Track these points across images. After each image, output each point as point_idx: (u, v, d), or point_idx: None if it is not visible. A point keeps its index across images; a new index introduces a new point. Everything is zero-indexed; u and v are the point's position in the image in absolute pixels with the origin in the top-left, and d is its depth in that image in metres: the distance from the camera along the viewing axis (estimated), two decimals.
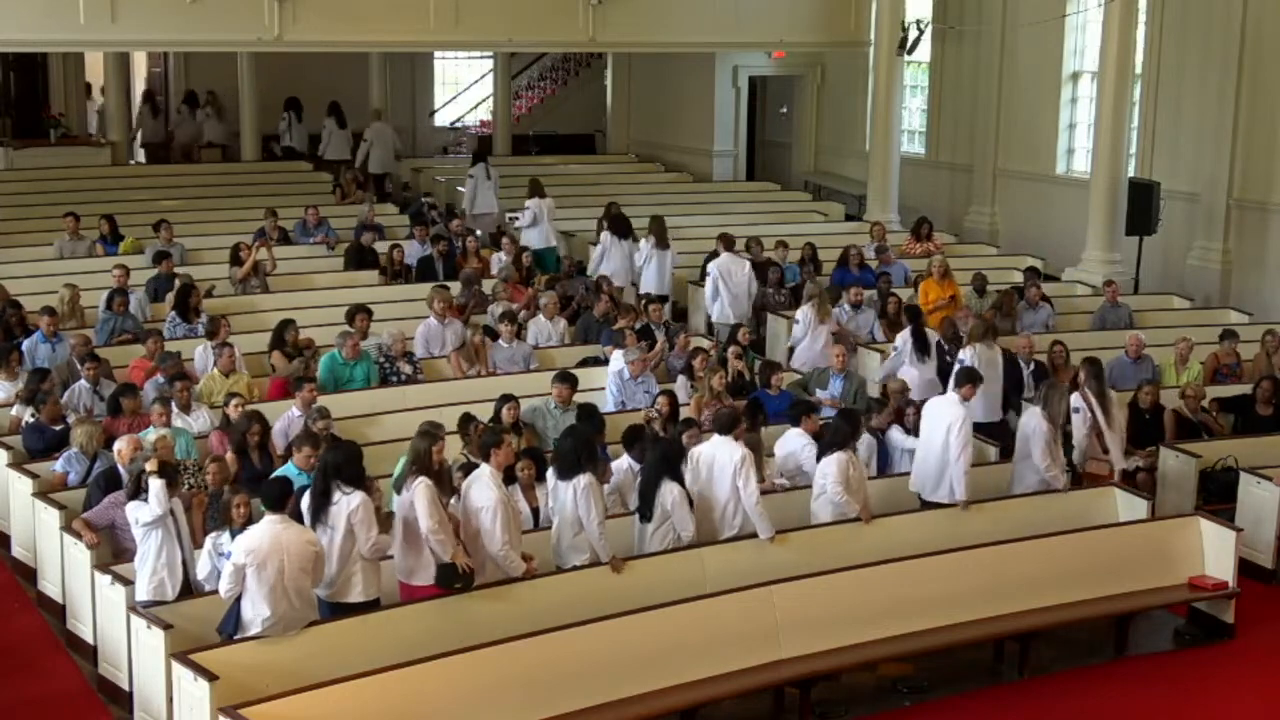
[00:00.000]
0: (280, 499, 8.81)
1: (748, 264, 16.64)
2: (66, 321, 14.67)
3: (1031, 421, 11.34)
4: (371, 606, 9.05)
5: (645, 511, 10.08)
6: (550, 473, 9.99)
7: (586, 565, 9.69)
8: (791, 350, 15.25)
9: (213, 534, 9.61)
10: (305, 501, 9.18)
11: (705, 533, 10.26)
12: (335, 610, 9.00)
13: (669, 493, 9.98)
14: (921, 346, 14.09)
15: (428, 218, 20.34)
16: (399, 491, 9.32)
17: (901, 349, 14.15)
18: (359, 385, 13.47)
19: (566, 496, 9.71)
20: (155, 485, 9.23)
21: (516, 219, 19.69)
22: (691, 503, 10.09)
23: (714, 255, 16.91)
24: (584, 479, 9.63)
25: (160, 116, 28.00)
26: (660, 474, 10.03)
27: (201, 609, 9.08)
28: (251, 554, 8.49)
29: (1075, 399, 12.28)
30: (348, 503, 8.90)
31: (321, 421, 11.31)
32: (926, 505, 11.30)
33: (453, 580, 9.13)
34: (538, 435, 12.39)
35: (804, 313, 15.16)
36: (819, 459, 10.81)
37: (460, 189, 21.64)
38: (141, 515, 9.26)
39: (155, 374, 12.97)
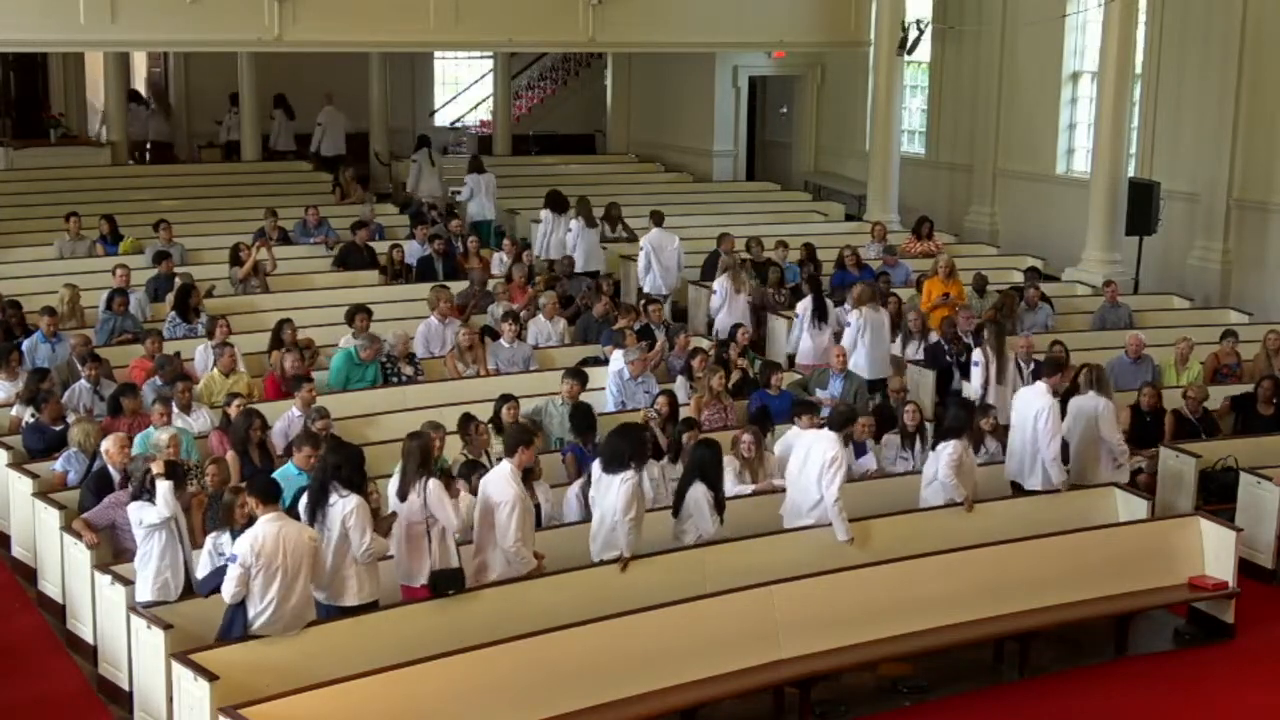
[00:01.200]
0: (273, 494, 8.78)
1: (677, 239, 17.67)
2: (66, 321, 14.67)
3: (1089, 404, 11.42)
4: (369, 609, 9.03)
5: (676, 507, 10.32)
6: (595, 465, 10.08)
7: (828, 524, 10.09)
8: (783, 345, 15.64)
9: (213, 534, 9.59)
10: (300, 503, 9.18)
11: (789, 517, 10.65)
12: (329, 613, 8.98)
13: (696, 492, 10.18)
14: (820, 313, 14.95)
15: (427, 217, 20.34)
16: (403, 498, 9.27)
17: (801, 316, 15.06)
18: (367, 385, 13.47)
19: (610, 490, 9.77)
20: (163, 487, 9.22)
21: (459, 193, 21.06)
22: (722, 504, 10.28)
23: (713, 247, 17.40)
24: (630, 475, 9.68)
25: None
26: (693, 475, 10.25)
27: (201, 609, 9.08)
28: (257, 554, 8.47)
29: (976, 354, 13.44)
30: (343, 505, 8.86)
31: (321, 421, 11.30)
32: (1020, 491, 11.51)
33: (448, 587, 9.14)
34: (541, 434, 12.38)
35: (720, 283, 16.04)
36: (934, 446, 11.17)
37: (455, 190, 21.67)
38: (147, 516, 9.22)
39: (154, 375, 12.97)
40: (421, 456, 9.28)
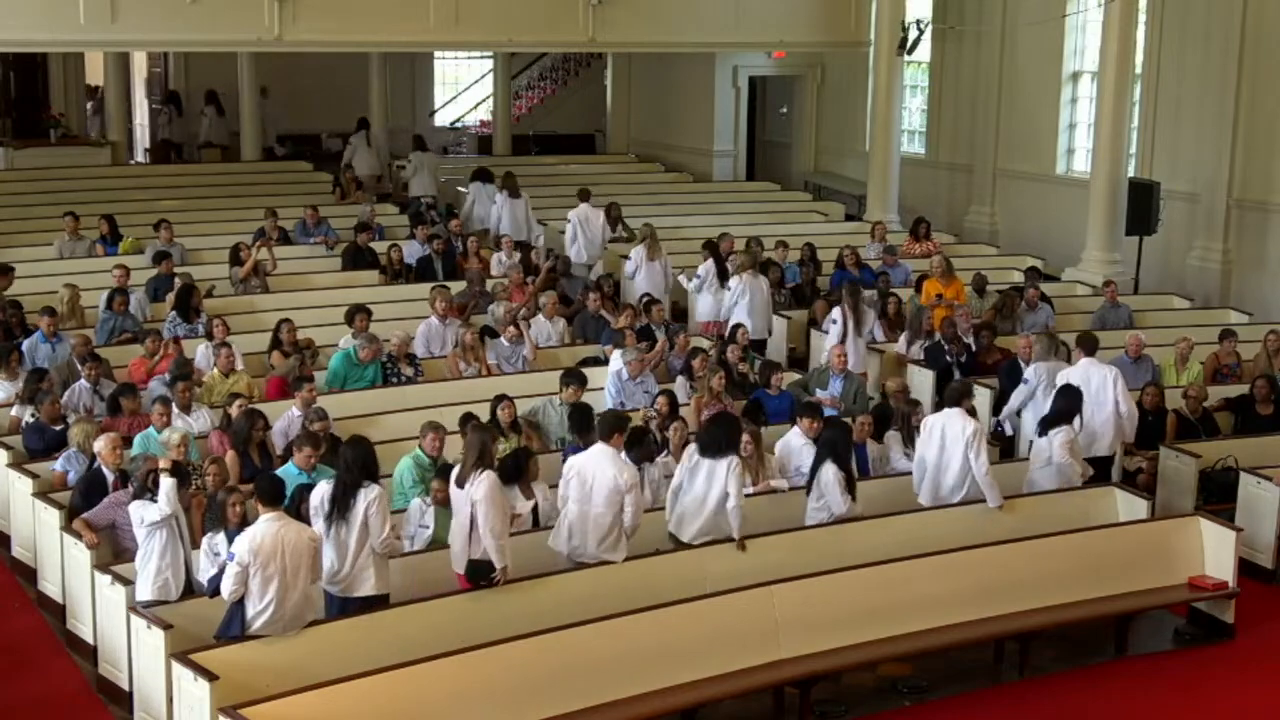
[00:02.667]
0: (277, 495, 8.83)
1: (602, 213, 18.80)
2: (66, 321, 14.67)
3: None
4: (380, 602, 9.08)
5: (808, 487, 10.75)
6: (691, 450, 10.35)
7: (709, 543, 10.07)
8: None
9: (208, 535, 9.60)
10: (315, 500, 9.17)
11: (936, 497, 11.06)
12: (345, 605, 9.04)
13: (827, 472, 10.55)
14: (721, 276, 16.23)
15: (427, 217, 20.34)
16: (461, 487, 9.33)
17: (704, 276, 16.34)
18: (366, 385, 13.47)
19: (710, 475, 10.05)
20: (167, 484, 9.22)
21: (403, 166, 22.50)
22: (853, 484, 10.66)
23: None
24: (734, 460, 10.03)
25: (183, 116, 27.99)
26: (824, 456, 10.66)
27: (201, 609, 9.07)
28: (255, 554, 8.48)
29: (834, 312, 14.50)
30: (365, 496, 9.00)
31: (320, 423, 11.30)
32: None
33: (481, 577, 9.25)
34: (540, 434, 12.39)
35: (636, 252, 17.19)
36: (1042, 434, 11.45)
37: (462, 189, 21.69)
38: (149, 514, 9.22)
39: (158, 371, 12.97)
40: (480, 449, 9.38)
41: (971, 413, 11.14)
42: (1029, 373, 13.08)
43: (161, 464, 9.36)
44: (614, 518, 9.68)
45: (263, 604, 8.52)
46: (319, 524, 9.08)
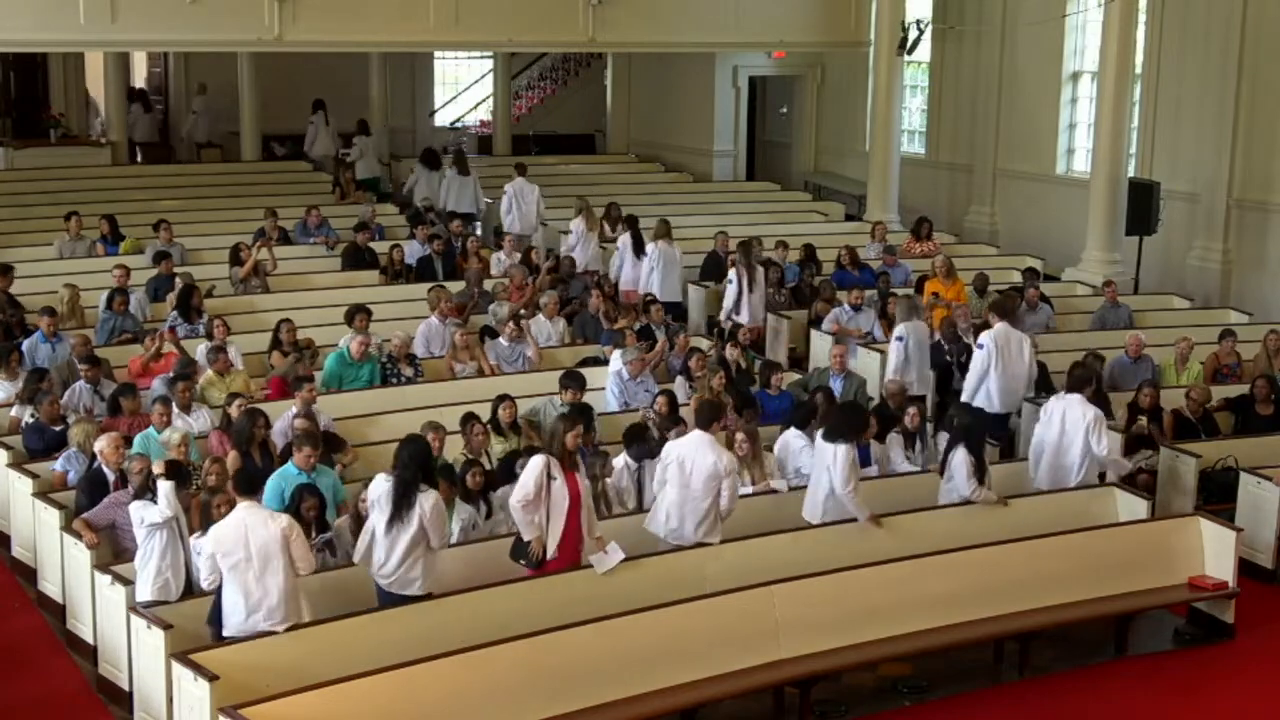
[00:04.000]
0: (252, 485, 8.89)
1: (537, 190, 20.18)
2: (66, 321, 14.67)
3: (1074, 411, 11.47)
4: (425, 599, 9.20)
5: (941, 469, 11.16)
6: (817, 434, 10.87)
7: (829, 524, 10.38)
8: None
9: (195, 535, 9.60)
10: (372, 494, 9.24)
11: (1054, 480, 11.51)
12: (393, 600, 9.13)
13: (958, 456, 10.97)
14: (638, 247, 17.28)
15: (427, 218, 20.34)
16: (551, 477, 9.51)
17: (622, 249, 17.49)
18: (363, 385, 13.47)
19: (825, 457, 10.47)
20: (164, 487, 9.22)
21: (348, 153, 23.49)
22: (983, 470, 11.02)
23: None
24: (844, 447, 10.35)
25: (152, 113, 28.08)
26: (958, 440, 11.07)
27: (201, 609, 9.07)
28: (218, 542, 8.56)
29: (731, 273, 15.75)
30: (423, 500, 9.05)
31: (304, 420, 11.34)
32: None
33: (520, 556, 9.50)
34: (540, 434, 12.38)
35: (576, 224, 18.40)
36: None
37: (345, 151, 23.21)
38: (149, 516, 9.22)
39: (158, 369, 12.98)
40: (552, 437, 9.68)
41: (1090, 398, 11.54)
42: (900, 329, 14.23)
43: (156, 467, 9.35)
44: (712, 502, 10.00)
45: (234, 594, 8.55)
46: (376, 518, 9.15)
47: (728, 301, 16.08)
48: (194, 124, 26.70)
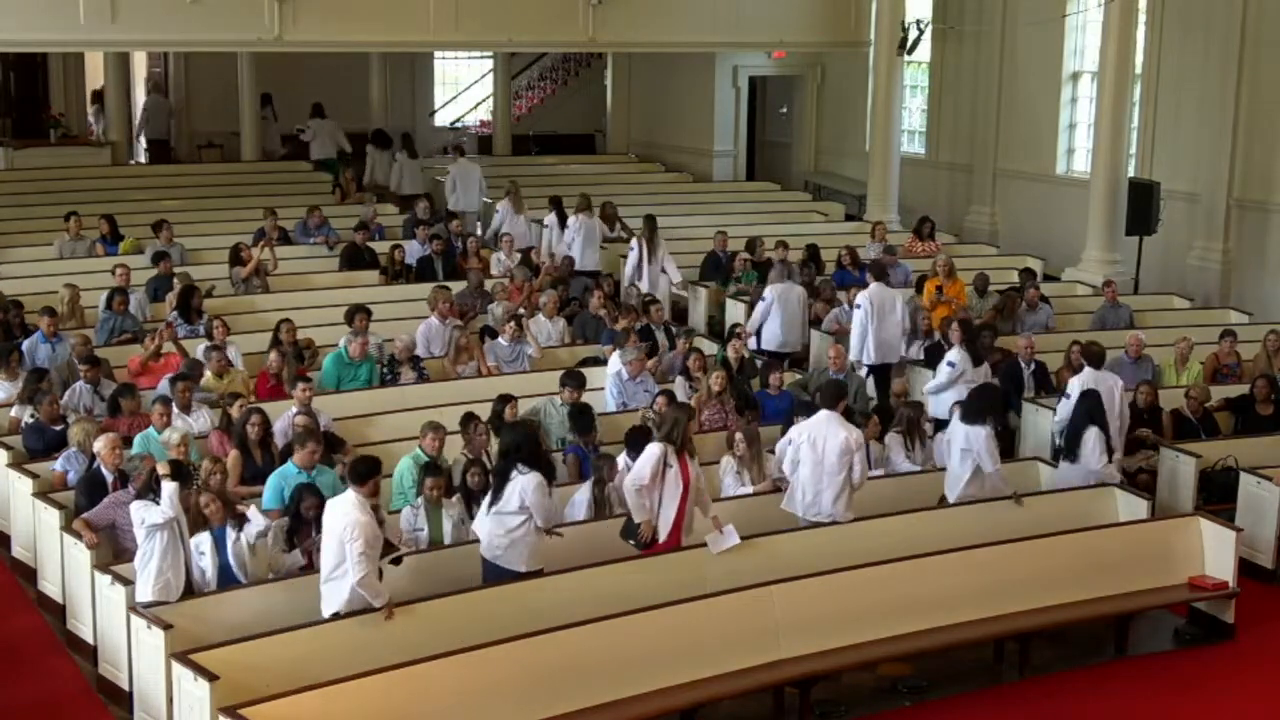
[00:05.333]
0: (359, 476, 9.02)
1: (478, 169, 21.50)
2: (66, 322, 14.66)
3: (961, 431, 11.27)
4: (534, 576, 9.53)
5: (1068, 449, 11.67)
6: (955, 418, 11.33)
7: (974, 501, 10.68)
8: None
9: (194, 537, 9.64)
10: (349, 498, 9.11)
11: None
12: (500, 574, 9.50)
13: (1090, 434, 11.43)
14: (561, 220, 18.52)
15: (425, 218, 20.33)
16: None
17: (550, 225, 18.66)
18: (361, 384, 13.47)
19: (966, 439, 10.98)
20: (168, 488, 9.20)
21: (303, 131, 24.47)
22: (1111, 445, 11.62)
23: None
24: (985, 429, 10.91)
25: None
26: (1085, 421, 11.56)
27: (201, 609, 9.09)
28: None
29: (633, 241, 17.11)
30: (522, 482, 9.36)
31: (304, 417, 11.34)
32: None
33: (630, 536, 9.89)
34: (541, 434, 12.37)
35: (504, 205, 19.44)
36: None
37: (300, 129, 24.15)
38: (150, 516, 9.17)
39: (159, 368, 12.99)
40: (673, 423, 10.02)
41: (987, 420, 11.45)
42: (768, 291, 15.51)
43: (160, 469, 9.35)
44: (845, 476, 10.49)
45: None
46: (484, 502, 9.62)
47: (628, 269, 17.24)
48: (142, 120, 26.94)
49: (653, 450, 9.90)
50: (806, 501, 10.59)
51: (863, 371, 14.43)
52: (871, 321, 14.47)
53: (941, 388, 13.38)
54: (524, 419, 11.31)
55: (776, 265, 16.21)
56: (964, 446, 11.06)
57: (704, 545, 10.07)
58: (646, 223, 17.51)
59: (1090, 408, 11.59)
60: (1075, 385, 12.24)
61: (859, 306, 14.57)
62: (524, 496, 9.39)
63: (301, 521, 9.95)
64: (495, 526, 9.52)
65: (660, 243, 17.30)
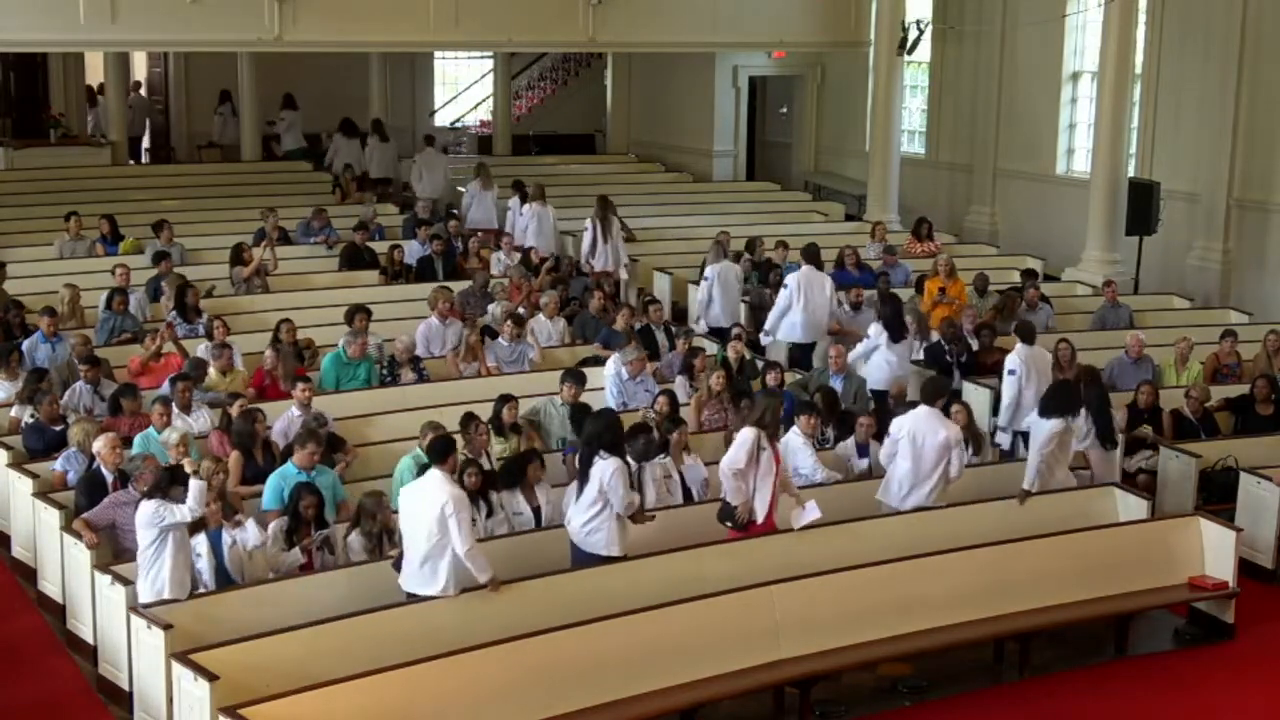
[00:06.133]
0: (440, 454, 9.21)
1: (444, 157, 22.83)
2: (67, 322, 14.66)
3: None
4: (618, 560, 9.78)
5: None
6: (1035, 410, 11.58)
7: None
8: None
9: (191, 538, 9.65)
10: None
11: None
12: (586, 558, 9.79)
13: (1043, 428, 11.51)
14: (522, 197, 19.44)
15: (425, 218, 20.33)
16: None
17: (514, 206, 19.47)
18: (360, 384, 13.47)
19: (1047, 429, 11.21)
20: (196, 486, 9.16)
21: (273, 122, 25.37)
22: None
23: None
24: (1061, 423, 11.17)
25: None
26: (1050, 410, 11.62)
27: (201, 609, 9.09)
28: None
29: (587, 222, 18.12)
30: (603, 467, 9.64)
31: (321, 427, 11.34)
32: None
33: (726, 519, 10.13)
34: (541, 434, 12.39)
35: (473, 185, 20.39)
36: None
37: (271, 121, 24.80)
38: (173, 515, 9.08)
39: (159, 367, 12.99)
40: (765, 411, 10.20)
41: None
42: (708, 271, 16.35)
43: (188, 466, 9.36)
44: (941, 471, 10.79)
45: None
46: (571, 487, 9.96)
47: (584, 249, 18.12)
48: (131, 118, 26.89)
49: (747, 435, 10.07)
50: (903, 494, 10.88)
51: (767, 340, 15.56)
52: (798, 301, 15.23)
53: (859, 356, 14.03)
54: (606, 408, 11.60)
55: (713, 246, 16.97)
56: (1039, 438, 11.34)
57: (702, 545, 10.07)
58: (600, 203, 18.19)
59: (1096, 397, 11.90)
60: (1012, 361, 13.00)
61: (786, 286, 15.40)
62: (603, 482, 9.61)
63: (300, 521, 9.96)
64: (580, 512, 9.80)
65: (614, 222, 18.08)
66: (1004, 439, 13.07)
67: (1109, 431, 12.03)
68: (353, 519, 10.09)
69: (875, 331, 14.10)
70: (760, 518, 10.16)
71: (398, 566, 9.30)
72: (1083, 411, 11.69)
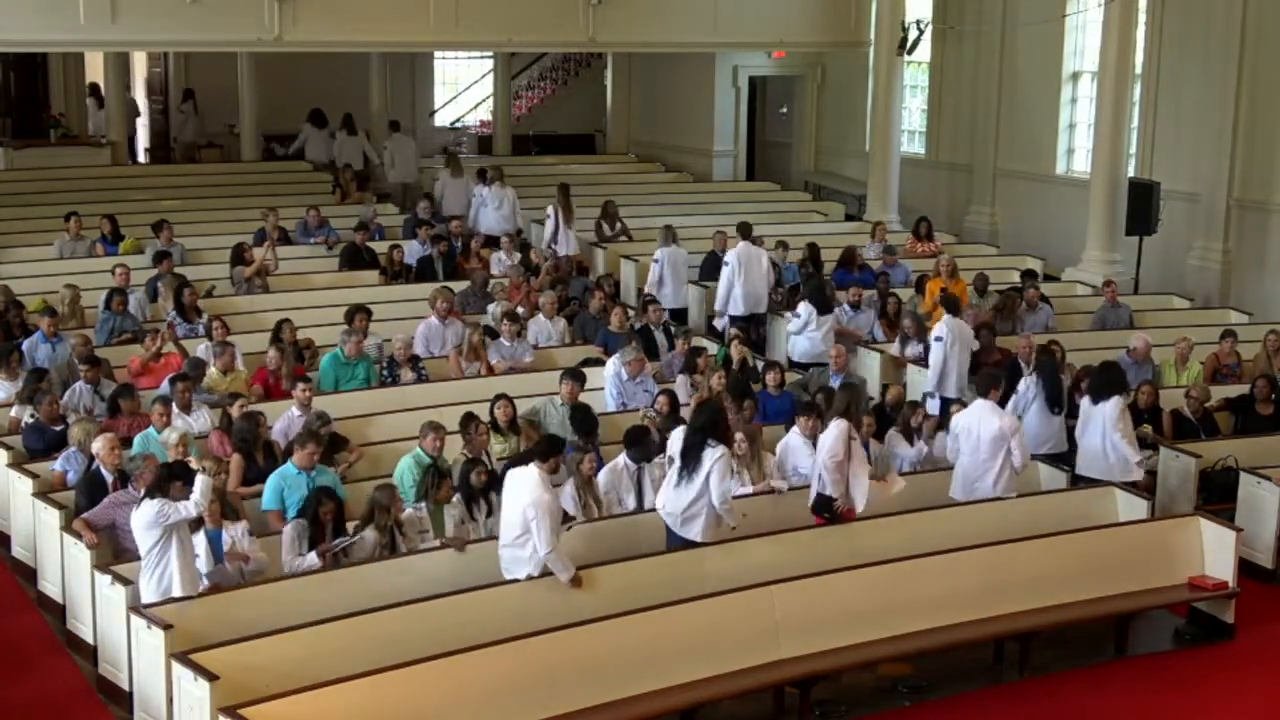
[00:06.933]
0: (545, 454, 9.59)
1: (412, 143, 23.52)
2: (67, 322, 14.67)
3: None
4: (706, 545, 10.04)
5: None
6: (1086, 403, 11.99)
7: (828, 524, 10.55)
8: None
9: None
10: (670, 448, 10.17)
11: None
12: (679, 542, 10.07)
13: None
14: (483, 179, 20.35)
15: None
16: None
17: (479, 193, 20.23)
18: (359, 384, 13.47)
19: (1098, 415, 11.67)
20: (204, 483, 9.20)
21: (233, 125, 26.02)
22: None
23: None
24: (1116, 399, 11.68)
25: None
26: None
27: (201, 609, 9.08)
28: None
29: (549, 208, 18.90)
30: (711, 455, 9.87)
31: (324, 427, 11.33)
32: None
33: (824, 510, 10.43)
34: (540, 433, 12.36)
35: (443, 173, 21.34)
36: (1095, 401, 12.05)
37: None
38: (177, 512, 9.08)
39: (159, 367, 12.99)
40: (845, 402, 10.57)
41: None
42: (659, 253, 17.36)
43: (193, 463, 9.36)
44: (1002, 461, 11.08)
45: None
46: (671, 471, 10.14)
47: (545, 234, 18.88)
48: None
49: (839, 427, 10.36)
50: (969, 486, 11.20)
51: (723, 321, 16.34)
52: (739, 277, 16.10)
53: (791, 333, 15.11)
54: (710, 401, 11.67)
55: (662, 231, 17.72)
56: (1102, 421, 11.70)
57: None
58: (560, 191, 19.05)
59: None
60: (940, 329, 13.86)
61: (727, 264, 16.29)
62: (710, 470, 9.83)
63: (319, 526, 9.91)
64: (681, 498, 10.01)
65: (573, 209, 18.92)
66: (933, 405, 13.43)
67: (1057, 396, 12.38)
68: (365, 514, 10.07)
69: (804, 309, 14.97)
70: (860, 507, 10.51)
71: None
72: (1035, 377, 12.49)
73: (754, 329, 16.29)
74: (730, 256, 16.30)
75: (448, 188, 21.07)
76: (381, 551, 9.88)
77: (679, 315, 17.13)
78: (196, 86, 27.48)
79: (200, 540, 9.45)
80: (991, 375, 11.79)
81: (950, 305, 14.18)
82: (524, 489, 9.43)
